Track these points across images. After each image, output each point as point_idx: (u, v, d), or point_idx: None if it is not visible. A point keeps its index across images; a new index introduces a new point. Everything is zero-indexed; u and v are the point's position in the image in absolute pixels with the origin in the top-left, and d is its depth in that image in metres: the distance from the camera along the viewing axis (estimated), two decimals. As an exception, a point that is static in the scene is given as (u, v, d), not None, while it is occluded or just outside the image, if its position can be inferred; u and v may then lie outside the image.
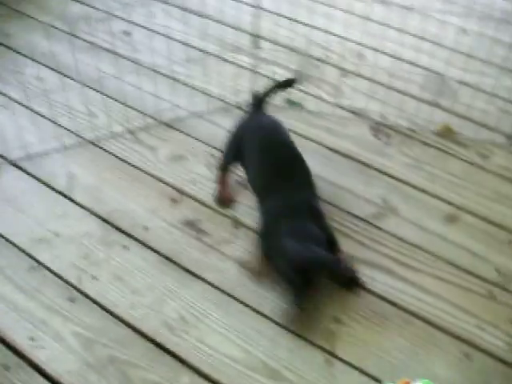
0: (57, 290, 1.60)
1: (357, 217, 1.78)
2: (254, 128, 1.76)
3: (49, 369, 1.45)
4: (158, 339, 1.49)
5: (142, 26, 2.41)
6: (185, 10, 2.39)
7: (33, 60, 2.32)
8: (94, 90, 2.17)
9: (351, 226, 1.75)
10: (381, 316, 1.55)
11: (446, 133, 2.06)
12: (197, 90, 2.17)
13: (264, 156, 1.69)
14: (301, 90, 2.15)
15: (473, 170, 1.96)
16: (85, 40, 2.40)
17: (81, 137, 2.02)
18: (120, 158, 1.95)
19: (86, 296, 1.59)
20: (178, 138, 2.02)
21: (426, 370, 1.44)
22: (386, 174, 1.91)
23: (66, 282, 1.62)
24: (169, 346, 1.48)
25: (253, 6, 1.92)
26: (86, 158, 1.95)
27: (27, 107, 2.13)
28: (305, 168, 1.69)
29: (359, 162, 1.95)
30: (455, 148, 2.03)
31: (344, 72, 2.23)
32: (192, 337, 1.50)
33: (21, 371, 1.45)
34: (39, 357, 1.47)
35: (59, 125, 2.06)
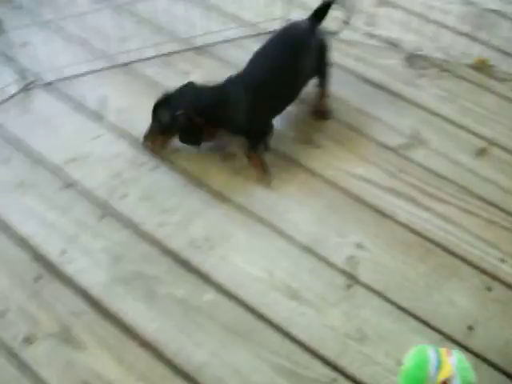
0: (88, 206, 1.65)
1: (385, 146, 1.77)
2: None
3: (78, 280, 1.51)
4: (184, 257, 1.54)
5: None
6: None
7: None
8: (127, 12, 2.17)
9: (379, 155, 1.75)
10: (404, 244, 1.56)
11: (482, 66, 2.02)
12: (229, 15, 2.15)
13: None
14: (335, 18, 2.11)
15: (506, 105, 1.94)
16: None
17: (113, 60, 2.04)
18: (153, 81, 1.97)
19: (116, 213, 1.63)
20: (209, 63, 2.02)
21: (446, 298, 1.46)
22: (417, 105, 1.89)
23: (97, 199, 1.66)
24: (194, 263, 1.53)
25: None
26: (119, 81, 1.97)
27: (61, 29, 2.15)
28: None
29: (391, 92, 1.93)
30: (490, 82, 2.00)
31: (380, 1, 2.19)
32: (216, 255, 1.54)
33: (52, 281, 1.51)
34: (70, 269, 1.53)
35: (92, 47, 2.07)
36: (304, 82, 1.79)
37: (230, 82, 1.71)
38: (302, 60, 1.73)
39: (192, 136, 1.73)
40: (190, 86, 1.73)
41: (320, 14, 1.78)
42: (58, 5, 2.23)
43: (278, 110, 1.78)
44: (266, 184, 1.69)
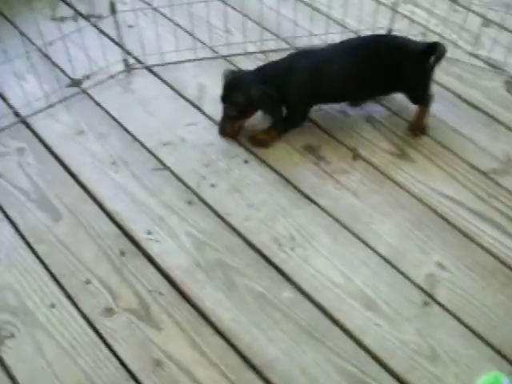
0: (177, 191, 1.69)
1: (477, 168, 1.75)
2: None
3: (161, 261, 1.55)
4: (266, 252, 1.56)
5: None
6: None
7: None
8: (234, 8, 2.21)
9: (469, 177, 1.73)
10: (485, 269, 1.54)
11: None
12: (334, 20, 2.16)
13: None
14: (438, 34, 2.10)
15: None
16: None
17: (215, 51, 2.08)
18: (250, 77, 1.99)
19: (204, 201, 1.67)
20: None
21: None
22: (513, 131, 1.86)
23: (186, 185, 1.70)
24: (275, 260, 1.54)
25: None
26: (218, 72, 1.98)
27: (167, 16, 2.20)
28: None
29: (487, 114, 1.90)
30: None
31: (487, 21, 2.16)
32: (298, 256, 1.55)
33: (135, 258, 1.56)
34: (153, 249, 1.57)
35: (196, 37, 2.11)
36: (372, 91, 1.84)
37: (296, 56, 1.80)
38: (376, 68, 1.74)
39: (274, 108, 1.77)
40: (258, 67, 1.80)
41: (430, 50, 1.76)
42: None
43: (326, 99, 1.84)
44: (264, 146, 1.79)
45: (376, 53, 1.75)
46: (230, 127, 1.79)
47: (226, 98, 1.76)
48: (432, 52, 1.75)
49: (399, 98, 1.91)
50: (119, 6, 1.94)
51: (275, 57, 2.02)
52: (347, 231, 1.60)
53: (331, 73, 1.75)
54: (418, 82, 1.80)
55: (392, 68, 1.74)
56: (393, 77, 1.76)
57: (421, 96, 1.83)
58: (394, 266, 1.54)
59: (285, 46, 2.08)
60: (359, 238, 1.59)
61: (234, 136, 1.80)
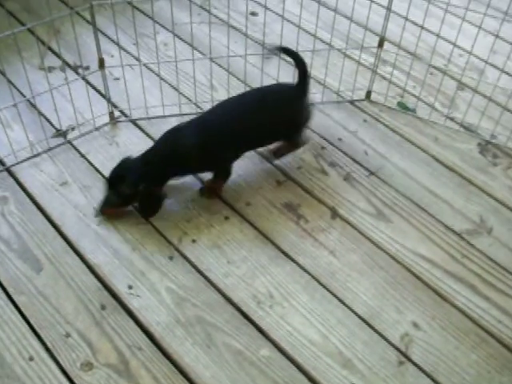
0: (158, 245, 1.72)
1: (450, 229, 1.80)
2: None
3: (141, 316, 1.56)
4: (245, 309, 1.58)
5: (269, 9, 2.47)
6: (314, 0, 2.44)
7: (163, 27, 2.44)
8: (219, 65, 2.26)
9: (443, 237, 1.78)
10: (459, 329, 1.58)
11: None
12: (315, 80, 2.23)
13: None
14: (415, 96, 2.17)
15: None
16: (215, 16, 2.50)
17: (199, 107, 2.13)
18: (233, 133, 2.04)
19: (184, 257, 1.69)
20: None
21: (497, 390, 1.48)
22: (486, 193, 1.91)
23: (168, 240, 1.73)
24: (254, 317, 1.57)
25: (384, 7, 1.96)
26: (201, 128, 2.05)
27: (153, 71, 2.25)
28: None
29: (462, 176, 1.96)
30: None
31: (461, 85, 2.24)
32: (276, 313, 1.58)
33: (115, 313, 1.57)
34: (134, 304, 1.59)
35: (181, 92, 2.16)
36: (262, 140, 1.87)
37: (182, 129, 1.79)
38: (263, 118, 1.79)
39: (151, 208, 1.78)
40: (145, 154, 1.77)
41: (300, 82, 1.85)
42: (152, 47, 2.34)
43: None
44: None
45: (259, 103, 1.81)
46: (109, 211, 1.79)
47: (111, 182, 1.76)
48: (300, 83, 1.85)
49: (377, 159, 1.97)
50: (106, 59, 1.98)
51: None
52: (325, 289, 1.64)
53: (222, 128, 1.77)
54: (296, 121, 1.87)
55: (276, 114, 1.80)
56: (278, 122, 1.82)
57: (294, 134, 1.90)
58: (370, 325, 1.57)
59: (267, 103, 2.14)
60: (336, 297, 1.62)
61: (111, 218, 1.79)
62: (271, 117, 1.80)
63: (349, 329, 1.56)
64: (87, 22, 2.34)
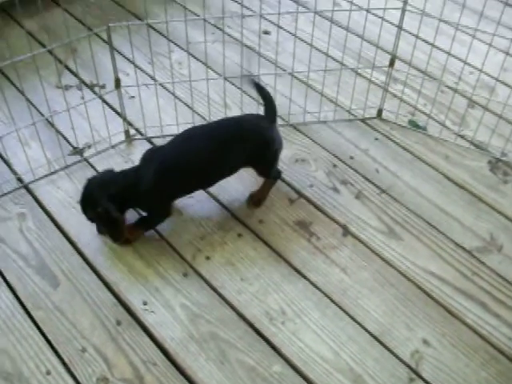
0: (173, 262, 1.75)
1: (461, 247, 1.82)
2: None
3: (155, 332, 1.60)
4: (258, 326, 1.61)
5: (282, 28, 2.52)
6: (327, 19, 2.48)
7: (178, 46, 2.49)
8: (233, 83, 2.30)
9: (453, 255, 1.80)
10: (469, 347, 1.60)
11: None
12: (327, 98, 2.26)
13: None
14: (426, 114, 2.20)
15: None
16: (229, 34, 2.54)
17: (213, 125, 2.16)
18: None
19: (198, 273, 1.73)
20: (302, 142, 2.12)
21: (506, 407, 1.49)
22: (497, 210, 1.93)
23: (182, 257, 1.77)
24: (267, 334, 1.60)
25: (395, 26, 1.99)
26: (215, 146, 2.09)
27: (168, 90, 2.29)
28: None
29: (472, 193, 1.98)
30: None
31: (472, 103, 2.26)
32: (288, 330, 1.61)
33: (131, 328, 1.61)
34: (149, 320, 1.62)
35: (195, 111, 2.20)
36: (224, 173, 1.84)
37: (145, 162, 1.77)
38: (227, 153, 1.75)
39: (114, 231, 1.76)
40: (108, 175, 1.77)
41: (268, 110, 1.85)
42: (166, 66, 2.38)
43: (185, 193, 1.83)
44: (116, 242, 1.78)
45: (221, 138, 1.76)
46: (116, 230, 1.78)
47: (85, 212, 1.77)
48: (268, 111, 1.84)
49: (388, 177, 2.00)
50: (122, 77, 2.02)
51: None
52: (336, 306, 1.66)
53: (182, 168, 1.74)
54: (264, 158, 1.84)
55: (239, 149, 1.77)
56: (241, 157, 1.79)
57: (267, 171, 1.88)
58: (380, 342, 1.59)
59: (280, 122, 2.16)
60: (348, 314, 1.65)
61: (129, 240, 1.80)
62: (242, 148, 1.77)
63: (360, 345, 1.58)
64: (103, 40, 2.39)
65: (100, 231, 1.81)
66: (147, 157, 1.78)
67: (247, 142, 1.77)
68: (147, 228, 1.83)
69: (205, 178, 1.81)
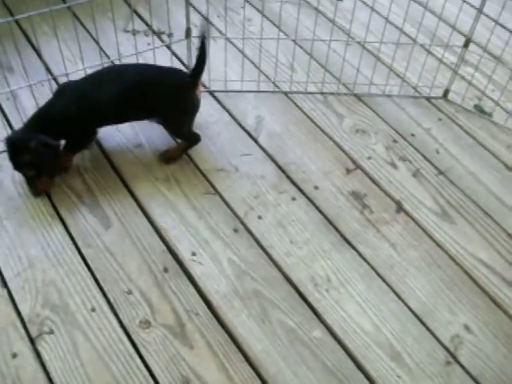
0: (224, 217, 1.76)
1: (514, 238, 1.80)
2: None
3: (201, 283, 1.62)
4: (302, 290, 1.62)
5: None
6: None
7: (249, 3, 2.47)
8: (301, 47, 2.28)
9: (505, 245, 1.77)
10: (509, 338, 1.58)
11: None
12: (394, 72, 2.23)
13: None
14: (494, 101, 2.15)
15: None
16: (301, -4, 2.52)
17: (277, 86, 2.16)
18: (307, 115, 2.07)
19: (249, 231, 1.74)
20: (365, 113, 2.10)
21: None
22: (557, 204, 1.90)
23: (234, 213, 1.78)
24: (310, 299, 1.61)
25: (475, 8, 1.94)
26: (277, 106, 2.08)
27: (235, 45, 2.28)
28: None
29: (532, 185, 1.95)
30: None
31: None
32: (332, 298, 1.61)
33: (177, 277, 1.63)
34: (196, 270, 1.64)
35: (260, 69, 2.19)
36: (132, 118, 1.88)
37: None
38: (136, 100, 1.76)
39: (52, 164, 1.77)
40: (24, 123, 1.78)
41: (195, 70, 1.81)
42: (235, 22, 2.37)
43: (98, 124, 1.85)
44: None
45: (138, 83, 1.77)
46: (40, 182, 1.78)
47: (16, 164, 1.75)
48: (197, 78, 1.81)
49: (448, 159, 1.97)
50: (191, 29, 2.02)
51: (333, 99, 2.11)
52: (382, 281, 1.66)
53: (98, 100, 1.76)
54: (173, 116, 1.84)
55: (150, 100, 1.77)
56: (151, 108, 1.80)
57: (176, 131, 1.90)
58: (422, 322, 1.59)
59: (344, 90, 2.15)
60: (392, 289, 1.64)
61: (47, 191, 1.81)
62: (155, 97, 1.77)
63: (401, 322, 1.58)
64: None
65: (29, 182, 1.79)
66: (59, 89, 1.81)
67: (160, 96, 1.77)
68: (75, 151, 1.85)
69: (114, 117, 1.83)
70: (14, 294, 1.58)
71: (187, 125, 1.88)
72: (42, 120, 1.75)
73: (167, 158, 1.90)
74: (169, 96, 1.79)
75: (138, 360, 1.48)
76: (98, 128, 1.86)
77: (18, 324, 1.53)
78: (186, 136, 1.90)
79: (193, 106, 1.85)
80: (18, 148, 1.71)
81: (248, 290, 1.61)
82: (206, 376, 1.46)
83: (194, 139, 1.90)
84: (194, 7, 2.40)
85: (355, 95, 2.15)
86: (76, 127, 1.76)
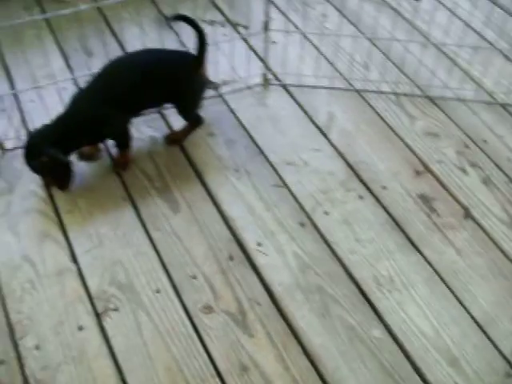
0: (291, 211, 1.78)
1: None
2: None
3: (265, 274, 1.64)
4: (364, 288, 1.63)
5: (435, -2, 2.46)
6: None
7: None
8: (378, 47, 2.27)
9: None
10: None
11: None
12: (470, 77, 2.20)
13: None
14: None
15: None
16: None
17: (350, 84, 2.16)
18: (379, 115, 2.07)
19: (315, 226, 1.75)
20: (437, 116, 2.08)
21: None
22: None
23: (302, 207, 1.79)
24: (372, 298, 1.61)
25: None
26: (349, 104, 2.08)
27: (312, 42, 2.29)
28: None
29: None
30: None
31: None
32: (394, 298, 1.61)
33: (241, 265, 1.66)
34: (260, 261, 1.66)
35: (335, 66, 2.20)
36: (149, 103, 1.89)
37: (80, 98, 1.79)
38: (149, 86, 1.78)
39: (61, 178, 1.78)
40: (44, 126, 1.77)
41: (199, 51, 1.82)
42: (310, 16, 2.38)
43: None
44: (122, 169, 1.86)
45: (145, 70, 1.79)
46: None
47: (29, 164, 1.76)
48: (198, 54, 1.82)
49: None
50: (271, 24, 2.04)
51: (406, 101, 2.10)
52: (445, 286, 1.65)
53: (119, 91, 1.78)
54: (182, 96, 1.87)
55: (163, 81, 1.80)
56: (165, 89, 1.82)
57: (187, 112, 1.91)
58: (483, 331, 1.57)
59: (418, 92, 2.13)
60: (455, 296, 1.63)
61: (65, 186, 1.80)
62: (163, 81, 1.80)
63: (462, 329, 1.57)
64: (255, -18, 2.40)
65: (46, 184, 1.82)
66: (73, 96, 1.80)
67: (168, 78, 1.80)
68: (125, 147, 1.86)
69: (133, 105, 1.84)
70: (83, 270, 1.63)
71: (197, 105, 1.92)
72: (67, 126, 1.75)
73: (171, 141, 1.94)
74: (176, 78, 1.82)
75: (199, 344, 1.51)
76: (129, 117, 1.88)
77: (85, 299, 1.58)
78: (194, 118, 1.94)
79: (200, 86, 1.89)
80: (32, 153, 1.74)
81: (311, 283, 1.63)
82: (263, 365, 1.48)
83: (199, 121, 1.94)
84: (271, 0, 2.42)
85: (428, 97, 2.13)
86: (106, 121, 1.78)
